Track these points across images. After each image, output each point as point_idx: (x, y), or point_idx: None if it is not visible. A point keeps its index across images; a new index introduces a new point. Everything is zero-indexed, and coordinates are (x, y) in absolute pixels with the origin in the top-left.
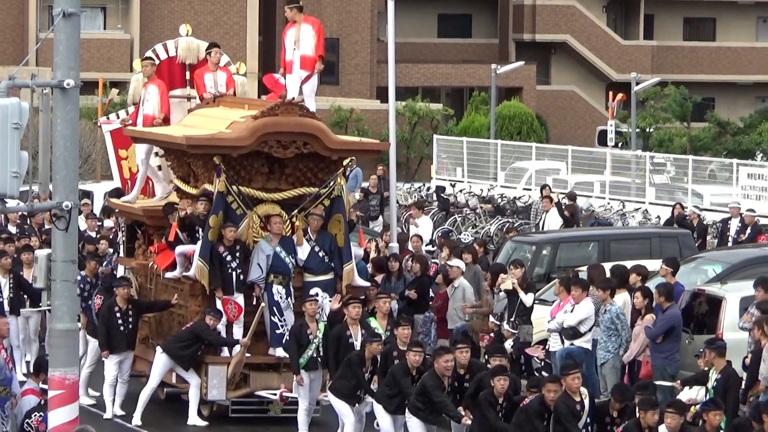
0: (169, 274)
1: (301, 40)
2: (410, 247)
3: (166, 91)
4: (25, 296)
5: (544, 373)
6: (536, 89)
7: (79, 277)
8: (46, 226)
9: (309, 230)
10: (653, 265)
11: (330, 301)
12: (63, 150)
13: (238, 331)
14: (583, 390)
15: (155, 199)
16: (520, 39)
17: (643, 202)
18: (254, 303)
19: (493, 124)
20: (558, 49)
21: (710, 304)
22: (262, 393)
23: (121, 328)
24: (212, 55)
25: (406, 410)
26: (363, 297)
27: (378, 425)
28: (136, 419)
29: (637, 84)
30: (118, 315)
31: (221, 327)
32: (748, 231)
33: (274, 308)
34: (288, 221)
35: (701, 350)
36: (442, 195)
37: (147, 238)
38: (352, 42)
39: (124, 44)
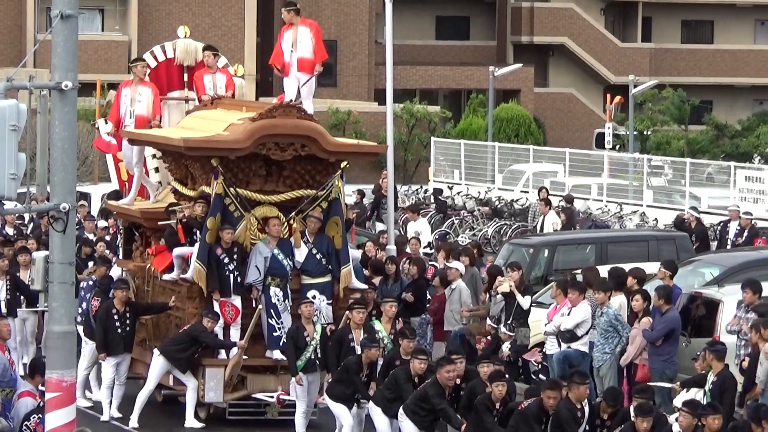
0: (166, 276)
1: (298, 42)
2: (408, 250)
3: (158, 94)
4: (22, 297)
5: (541, 376)
6: (534, 92)
7: (90, 282)
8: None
9: (306, 232)
10: (651, 267)
11: (327, 303)
12: (61, 152)
13: (235, 334)
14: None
15: (151, 201)
16: (518, 41)
17: (641, 205)
18: (252, 305)
19: (491, 127)
20: (556, 52)
21: (707, 307)
22: (260, 395)
23: (119, 330)
24: (204, 58)
25: (400, 412)
26: (360, 299)
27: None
28: (133, 421)
29: (635, 86)
30: (115, 317)
31: (218, 329)
32: (745, 234)
33: (272, 310)
34: (285, 223)
35: (698, 353)
36: (440, 197)
37: (145, 240)
38: (349, 44)
39: (122, 46)
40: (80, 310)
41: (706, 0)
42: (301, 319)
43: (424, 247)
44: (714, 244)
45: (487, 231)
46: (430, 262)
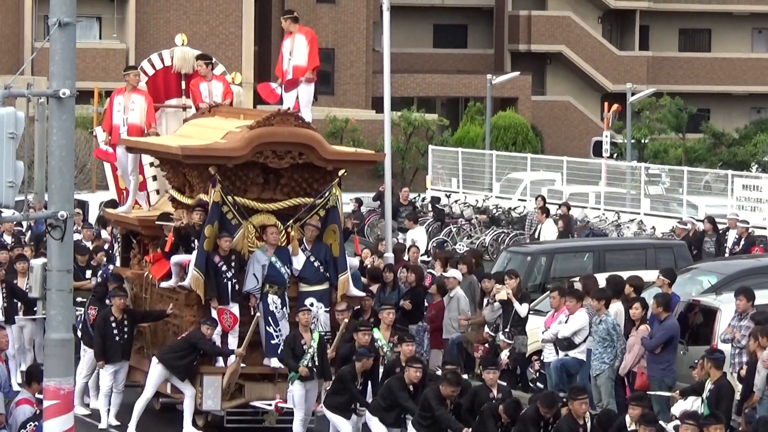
0: (164, 284)
1: (295, 50)
2: (406, 258)
3: (152, 102)
4: (20, 305)
5: (539, 384)
6: (531, 100)
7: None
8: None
9: (304, 240)
10: (648, 275)
11: (325, 311)
12: (58, 159)
13: (233, 341)
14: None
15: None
16: (516, 49)
17: (638, 213)
18: (250, 313)
19: (489, 135)
20: (553, 60)
21: (705, 315)
22: (258, 403)
23: (117, 338)
24: (197, 66)
25: (410, 427)
26: (358, 307)
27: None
28: (131, 429)
29: (633, 95)
30: (113, 325)
31: (216, 337)
32: (742, 242)
33: (270, 318)
34: (283, 231)
35: (696, 361)
36: (437, 205)
37: (142, 247)
38: (347, 52)
39: (120, 54)
40: (78, 318)
41: (703, 8)
42: (298, 327)
43: (422, 255)
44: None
45: (484, 239)
46: (428, 270)
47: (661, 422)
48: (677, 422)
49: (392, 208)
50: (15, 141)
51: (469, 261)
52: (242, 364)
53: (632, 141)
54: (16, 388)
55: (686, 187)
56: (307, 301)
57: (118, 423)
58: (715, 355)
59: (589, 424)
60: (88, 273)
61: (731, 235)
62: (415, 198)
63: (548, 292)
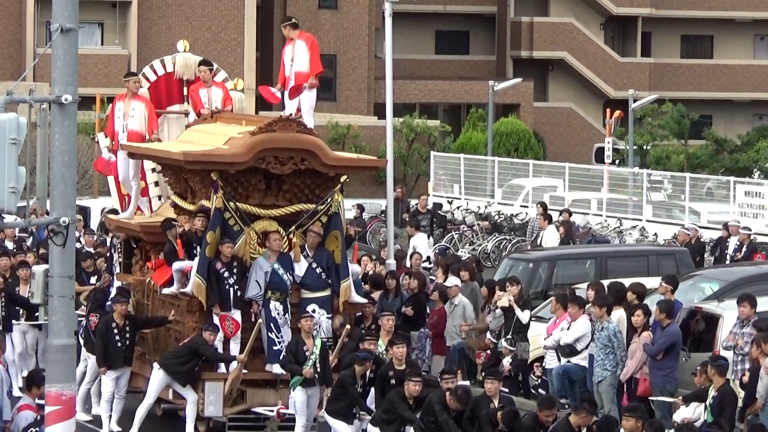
0: (166, 290)
1: (296, 56)
2: (408, 264)
3: (153, 108)
4: (21, 311)
5: (541, 390)
6: (533, 106)
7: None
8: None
9: (306, 247)
10: (650, 282)
11: (327, 317)
12: (60, 165)
13: (235, 348)
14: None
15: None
16: (518, 56)
17: (641, 220)
18: (252, 319)
19: (491, 141)
20: (555, 66)
21: (707, 321)
22: (259, 409)
23: (119, 344)
24: (200, 72)
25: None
26: (359, 314)
27: None
28: None
29: (635, 101)
30: (115, 331)
31: (218, 343)
32: (744, 249)
33: (272, 324)
34: (285, 238)
35: (698, 368)
36: (439, 212)
37: (144, 254)
38: (349, 58)
39: (122, 60)
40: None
41: (705, 15)
42: (300, 333)
43: (423, 262)
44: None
45: (486, 246)
46: (430, 277)
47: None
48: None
49: (411, 216)
50: (17, 147)
51: (471, 267)
52: (244, 371)
53: (634, 147)
54: (18, 393)
55: (688, 194)
56: (309, 308)
57: (120, 429)
58: (718, 361)
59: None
60: (93, 279)
61: (732, 242)
62: (416, 204)
63: (550, 299)
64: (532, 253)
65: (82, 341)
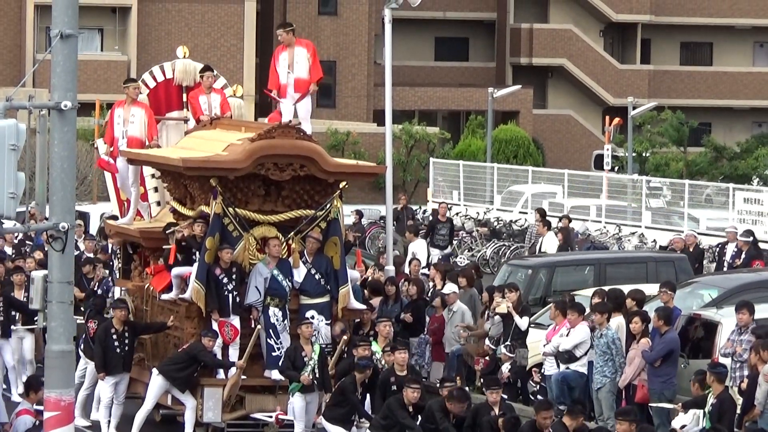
0: (165, 296)
1: (295, 63)
2: (406, 270)
3: (153, 115)
4: (18, 316)
5: (539, 397)
6: (533, 113)
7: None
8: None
9: (305, 253)
10: (649, 289)
11: (326, 324)
12: (60, 171)
13: (234, 354)
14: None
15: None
16: (517, 63)
17: (640, 226)
18: (251, 325)
19: (490, 148)
20: (555, 73)
21: (706, 328)
22: (258, 415)
23: (118, 350)
24: (205, 78)
25: None
26: (358, 320)
27: None
28: None
29: (634, 108)
30: (114, 337)
31: (217, 349)
32: (743, 256)
33: (270, 330)
34: (284, 243)
35: (691, 379)
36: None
37: (143, 259)
38: (348, 65)
39: (122, 66)
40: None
41: (705, 22)
42: (299, 339)
43: (423, 268)
44: (712, 266)
45: (485, 252)
46: (430, 283)
47: None
48: None
49: (430, 224)
50: (16, 152)
51: (469, 274)
52: (243, 376)
53: (633, 154)
54: (17, 399)
55: (687, 201)
56: (308, 314)
57: None
58: (717, 368)
59: None
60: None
61: (729, 249)
62: (415, 210)
63: (549, 305)
64: (531, 260)
65: (81, 346)
